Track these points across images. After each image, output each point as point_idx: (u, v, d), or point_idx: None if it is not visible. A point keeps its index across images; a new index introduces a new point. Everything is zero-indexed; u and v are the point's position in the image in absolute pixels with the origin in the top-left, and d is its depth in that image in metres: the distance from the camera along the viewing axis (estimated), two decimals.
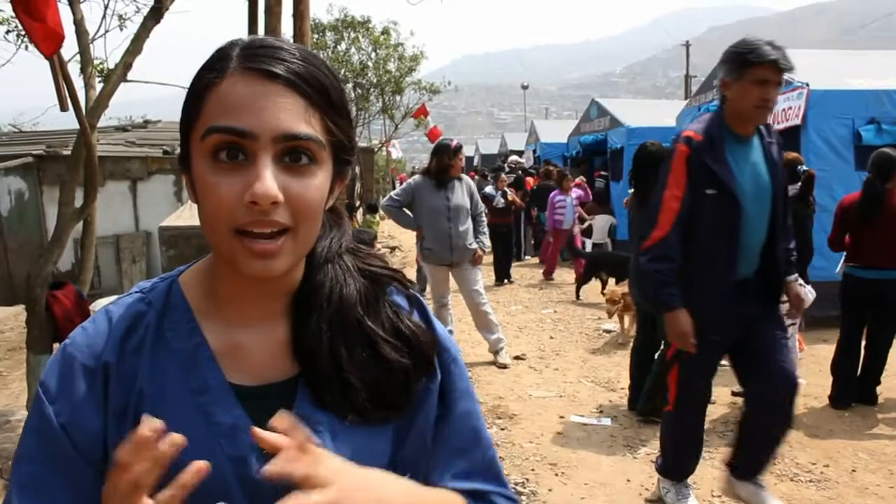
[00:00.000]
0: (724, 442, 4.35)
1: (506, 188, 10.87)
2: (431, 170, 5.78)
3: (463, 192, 5.80)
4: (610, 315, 6.72)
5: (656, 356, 4.75)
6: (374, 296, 0.91)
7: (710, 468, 4.00)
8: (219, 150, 0.75)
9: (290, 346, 0.87)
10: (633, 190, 4.83)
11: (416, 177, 6.04)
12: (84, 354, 0.82)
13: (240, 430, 0.81)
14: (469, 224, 5.79)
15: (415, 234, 6.09)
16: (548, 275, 10.86)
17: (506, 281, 10.56)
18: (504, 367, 6.01)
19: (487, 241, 6.36)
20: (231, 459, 0.80)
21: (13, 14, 3.68)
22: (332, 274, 0.89)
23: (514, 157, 14.91)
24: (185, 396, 0.82)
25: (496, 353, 6.11)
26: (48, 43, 3.21)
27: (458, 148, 5.88)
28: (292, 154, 0.76)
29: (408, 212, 5.90)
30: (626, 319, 6.72)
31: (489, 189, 10.70)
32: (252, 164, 0.75)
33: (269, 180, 0.73)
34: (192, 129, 0.79)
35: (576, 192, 10.89)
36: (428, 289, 6.20)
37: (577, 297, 9.02)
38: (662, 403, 4.64)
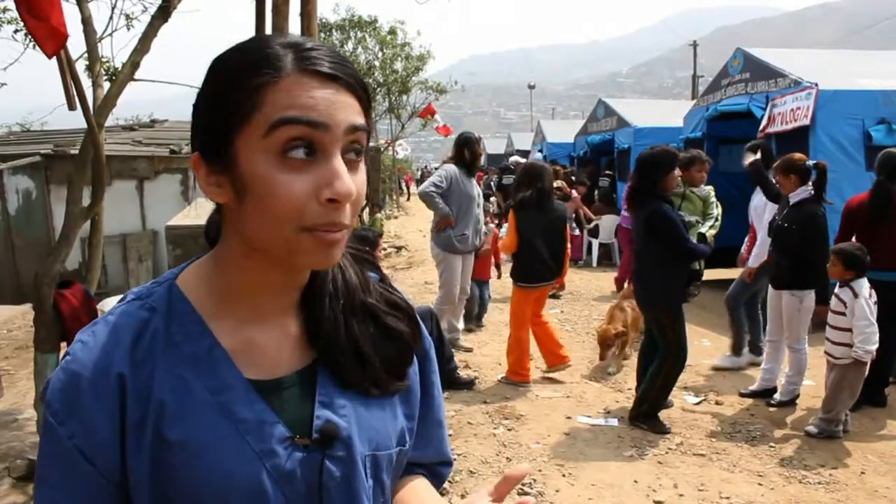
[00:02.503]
0: (733, 444, 4.33)
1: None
2: (466, 159, 6.00)
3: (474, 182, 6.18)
4: (602, 359, 5.91)
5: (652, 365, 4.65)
6: (363, 275, 0.97)
7: (718, 469, 3.99)
8: (289, 146, 0.75)
9: (300, 338, 0.89)
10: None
11: (450, 166, 6.07)
12: (88, 370, 0.80)
13: (265, 424, 0.82)
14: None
15: (428, 229, 6.17)
16: (619, 284, 8.95)
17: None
18: (469, 350, 6.43)
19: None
20: (261, 454, 0.81)
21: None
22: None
23: (514, 158, 14.80)
24: (205, 399, 0.81)
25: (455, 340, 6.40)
26: (51, 42, 3.21)
27: (478, 139, 6.20)
28: (352, 151, 0.80)
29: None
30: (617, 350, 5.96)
31: None
32: (324, 160, 0.76)
33: (346, 177, 0.76)
34: (245, 126, 0.76)
35: None
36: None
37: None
38: (651, 410, 4.57)
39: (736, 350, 5.91)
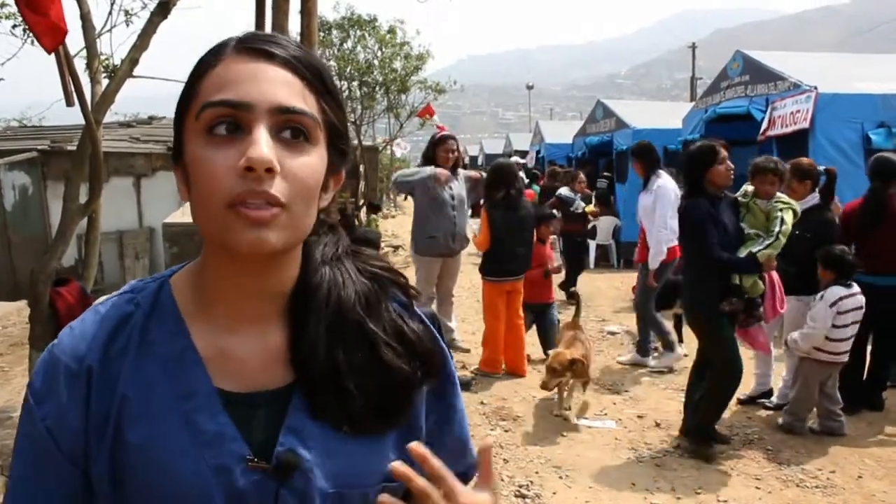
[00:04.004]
0: (730, 447, 4.33)
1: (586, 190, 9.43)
2: (428, 158, 5.93)
3: (462, 184, 5.95)
4: (546, 388, 4.70)
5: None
6: (375, 297, 0.88)
7: (716, 473, 3.98)
8: (213, 124, 0.74)
9: (284, 353, 0.83)
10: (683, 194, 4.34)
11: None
12: (67, 356, 0.80)
13: (225, 438, 0.78)
14: (468, 215, 6.10)
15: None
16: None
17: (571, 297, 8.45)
18: (467, 350, 6.37)
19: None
20: (214, 469, 0.77)
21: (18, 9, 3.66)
22: (329, 276, 0.85)
23: (514, 158, 14.81)
24: (169, 402, 0.78)
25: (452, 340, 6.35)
26: (50, 38, 3.19)
27: (442, 139, 5.92)
28: (289, 131, 0.75)
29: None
30: (567, 389, 4.89)
31: (566, 191, 9.20)
32: (247, 135, 0.73)
33: (264, 146, 0.72)
34: (187, 114, 0.78)
35: None
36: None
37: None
38: (700, 429, 4.23)
39: (643, 350, 6.08)
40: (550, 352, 4.89)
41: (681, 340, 5.97)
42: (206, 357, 0.81)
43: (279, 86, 0.75)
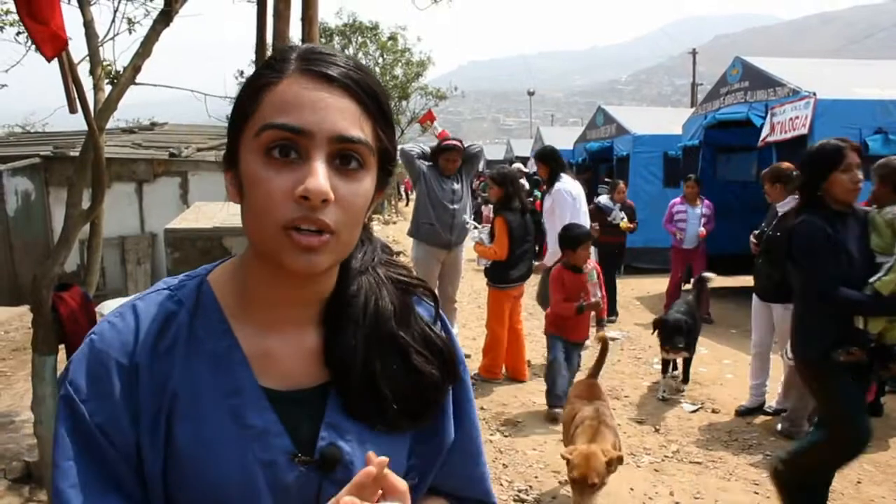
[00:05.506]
0: (729, 452, 4.33)
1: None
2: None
3: (466, 185, 6.04)
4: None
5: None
6: (404, 306, 0.93)
7: (715, 478, 3.99)
8: (272, 147, 0.76)
9: (320, 354, 0.87)
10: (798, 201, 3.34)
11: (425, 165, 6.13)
12: (117, 351, 0.81)
13: (271, 434, 0.82)
14: (469, 214, 6.19)
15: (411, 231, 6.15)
16: (667, 307, 6.96)
17: (611, 319, 7.66)
18: (467, 356, 6.35)
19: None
20: (262, 463, 0.81)
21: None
22: (366, 285, 0.90)
23: (517, 165, 14.82)
24: (217, 398, 0.81)
25: None
26: (50, 46, 3.22)
27: (445, 148, 5.93)
28: (343, 157, 0.78)
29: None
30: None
31: (605, 200, 8.45)
32: (305, 161, 0.76)
33: (322, 177, 0.75)
34: (246, 125, 0.80)
35: (707, 209, 7.97)
36: None
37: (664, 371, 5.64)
38: (794, 483, 3.27)
39: None
40: (568, 453, 3.22)
41: (686, 380, 5.68)
42: (248, 356, 0.84)
43: (339, 114, 0.77)
